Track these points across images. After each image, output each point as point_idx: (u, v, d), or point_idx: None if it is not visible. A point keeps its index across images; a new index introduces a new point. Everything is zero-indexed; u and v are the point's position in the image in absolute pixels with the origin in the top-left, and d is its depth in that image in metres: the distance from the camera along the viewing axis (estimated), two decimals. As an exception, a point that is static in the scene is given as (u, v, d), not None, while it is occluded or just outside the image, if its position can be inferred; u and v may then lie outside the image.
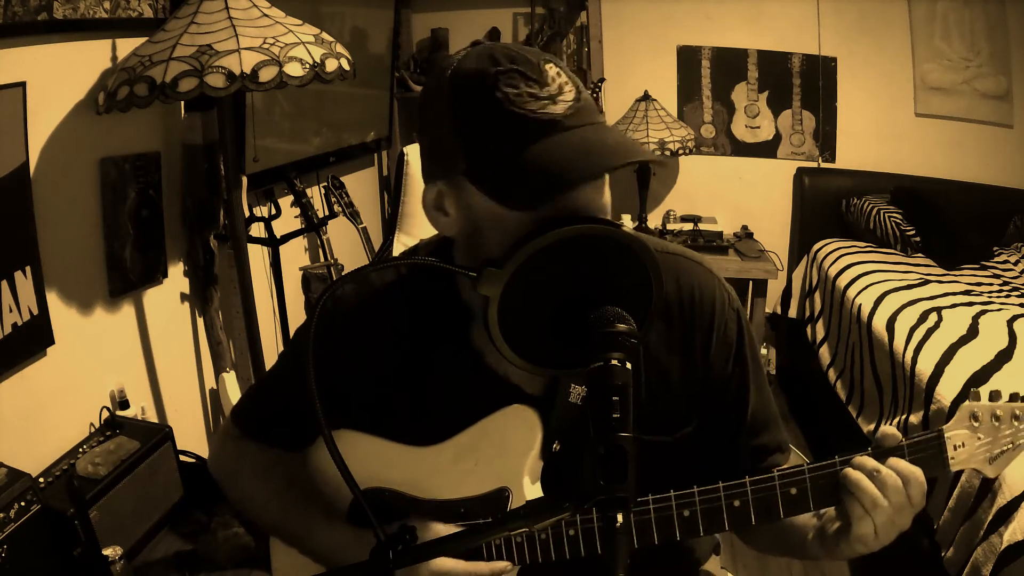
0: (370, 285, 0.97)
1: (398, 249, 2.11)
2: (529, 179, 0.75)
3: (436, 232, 0.89)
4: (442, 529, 0.92)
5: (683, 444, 0.96)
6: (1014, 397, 0.84)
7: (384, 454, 0.98)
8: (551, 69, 0.77)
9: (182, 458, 1.88)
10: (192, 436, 2.25)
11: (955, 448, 0.83)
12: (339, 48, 1.75)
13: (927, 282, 2.75)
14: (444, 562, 0.87)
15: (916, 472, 0.80)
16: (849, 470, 0.81)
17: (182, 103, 2.08)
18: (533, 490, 0.92)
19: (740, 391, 0.98)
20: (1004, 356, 2.04)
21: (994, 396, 0.84)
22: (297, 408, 0.99)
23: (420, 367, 0.96)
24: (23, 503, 1.37)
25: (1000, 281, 2.81)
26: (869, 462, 0.81)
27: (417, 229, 2.12)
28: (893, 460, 0.81)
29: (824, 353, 2.96)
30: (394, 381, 0.97)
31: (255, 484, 1.04)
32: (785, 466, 0.90)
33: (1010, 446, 0.83)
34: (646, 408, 0.92)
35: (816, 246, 3.35)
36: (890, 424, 2.20)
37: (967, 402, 0.84)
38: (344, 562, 0.92)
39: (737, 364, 0.97)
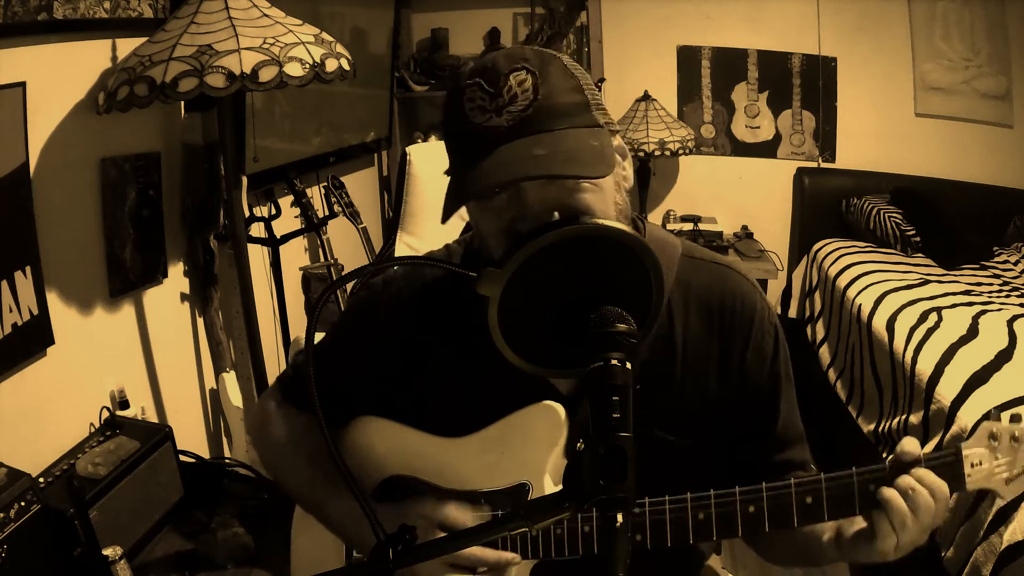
0: (414, 276, 1.00)
1: (400, 248, 2.11)
2: (450, 190, 0.80)
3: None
4: (455, 513, 0.91)
5: (710, 449, 0.97)
6: None
7: (412, 442, 0.99)
8: (515, 77, 0.77)
9: (182, 458, 1.87)
10: (192, 436, 2.25)
11: (972, 466, 0.82)
12: (339, 48, 1.75)
13: (927, 282, 2.75)
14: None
15: (945, 490, 0.80)
16: (885, 488, 0.80)
17: (182, 103, 2.08)
18: (554, 488, 0.92)
19: (771, 404, 0.99)
20: (1004, 356, 2.04)
21: (1014, 418, 0.84)
22: (334, 386, 1.00)
23: (454, 359, 0.97)
24: (23, 503, 1.36)
25: (1000, 281, 2.80)
26: (905, 480, 0.80)
27: (419, 229, 2.11)
28: (924, 473, 0.80)
29: (824, 353, 2.96)
30: (427, 372, 0.98)
31: (287, 448, 1.06)
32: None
33: None
34: (680, 410, 0.94)
35: (816, 246, 3.35)
36: (889, 424, 2.20)
37: (987, 421, 0.83)
38: (362, 536, 0.93)
39: (770, 377, 0.98)
